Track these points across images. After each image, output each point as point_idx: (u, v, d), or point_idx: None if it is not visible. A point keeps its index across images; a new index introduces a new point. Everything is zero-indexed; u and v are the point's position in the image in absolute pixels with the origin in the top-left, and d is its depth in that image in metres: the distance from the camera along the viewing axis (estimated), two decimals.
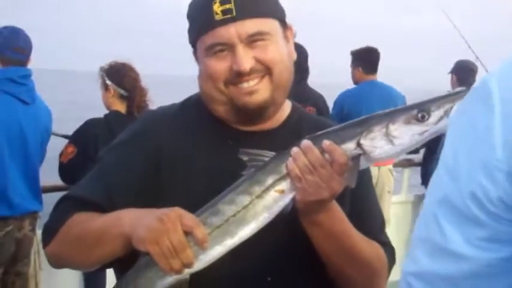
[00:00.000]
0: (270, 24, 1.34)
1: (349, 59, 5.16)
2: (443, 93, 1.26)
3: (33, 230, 3.57)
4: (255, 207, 1.20)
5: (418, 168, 5.37)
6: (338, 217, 1.28)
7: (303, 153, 1.19)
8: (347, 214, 1.31)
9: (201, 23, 1.33)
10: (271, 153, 1.24)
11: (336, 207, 1.27)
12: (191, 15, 1.39)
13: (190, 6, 1.40)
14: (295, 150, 1.20)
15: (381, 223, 1.51)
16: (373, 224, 1.46)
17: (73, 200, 1.38)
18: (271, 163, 1.23)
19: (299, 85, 4.26)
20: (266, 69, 1.33)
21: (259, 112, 1.36)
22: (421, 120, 1.19)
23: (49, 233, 1.37)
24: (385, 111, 1.24)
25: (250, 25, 1.30)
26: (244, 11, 1.30)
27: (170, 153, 1.35)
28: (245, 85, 1.32)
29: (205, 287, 1.23)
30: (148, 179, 1.34)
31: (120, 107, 3.54)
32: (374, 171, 4.94)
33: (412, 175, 5.63)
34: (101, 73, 3.59)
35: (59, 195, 1.45)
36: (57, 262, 1.42)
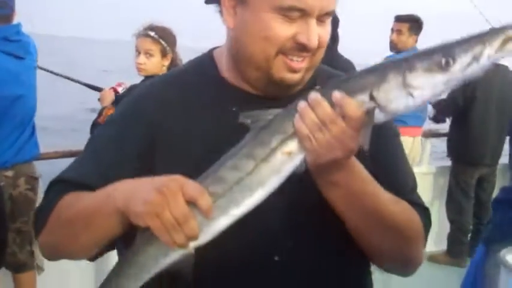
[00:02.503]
0: (335, 5, 1.21)
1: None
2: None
3: (32, 189, 3.57)
4: (261, 172, 1.06)
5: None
6: (358, 175, 1.14)
7: (310, 108, 1.04)
8: (369, 172, 1.17)
9: None
10: (277, 111, 1.09)
11: (355, 164, 1.13)
12: None
13: None
14: (302, 105, 1.05)
15: (413, 182, 1.34)
16: (402, 182, 1.30)
17: (64, 183, 1.25)
18: (276, 121, 1.08)
19: (330, 50, 4.20)
20: (317, 50, 1.21)
21: (288, 88, 1.24)
22: (445, 67, 1.01)
23: (39, 221, 1.25)
24: (404, 56, 1.06)
25: (332, 1, 1.18)
26: None
27: (165, 126, 1.24)
28: (296, 58, 1.19)
29: (208, 269, 1.13)
30: (143, 156, 1.23)
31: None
32: (408, 142, 4.85)
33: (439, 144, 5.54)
34: (156, 37, 3.32)
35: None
36: (50, 253, 1.30)
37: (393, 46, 5.11)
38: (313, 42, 1.17)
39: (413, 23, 5.09)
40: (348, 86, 1.05)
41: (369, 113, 1.04)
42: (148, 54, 3.32)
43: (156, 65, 3.33)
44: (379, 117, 1.06)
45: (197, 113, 1.26)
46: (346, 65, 4.29)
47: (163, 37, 3.32)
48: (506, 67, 4.93)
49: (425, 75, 1.02)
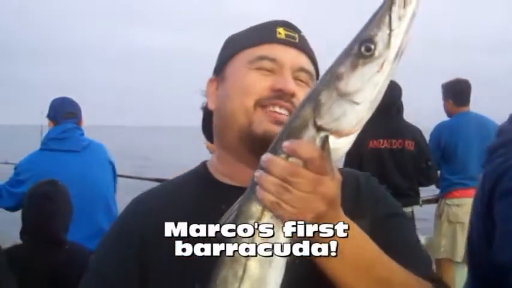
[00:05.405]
0: (313, 71, 1.26)
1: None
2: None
3: None
4: (252, 272, 0.92)
5: None
6: (357, 236, 1.01)
7: (266, 172, 0.93)
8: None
9: (255, 36, 1.24)
10: (240, 199, 0.98)
11: (345, 217, 1.00)
12: (238, 38, 1.29)
13: (239, 34, 1.30)
14: (256, 174, 0.94)
15: (425, 258, 1.22)
16: (411, 257, 1.13)
17: None
18: (242, 208, 0.95)
19: (396, 119, 4.40)
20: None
21: None
22: (368, 54, 0.90)
23: None
24: (326, 70, 0.97)
25: (306, 61, 1.24)
26: (305, 46, 1.26)
27: (154, 236, 1.15)
28: (277, 109, 1.16)
29: None
30: (144, 269, 1.17)
31: None
32: (470, 204, 4.79)
33: None
34: None
35: None
36: None
37: None
38: (290, 86, 1.16)
39: None
40: (289, 131, 0.94)
41: (324, 144, 0.92)
42: None
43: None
44: (338, 144, 0.93)
45: (186, 215, 1.14)
46: (415, 133, 4.52)
47: None
48: None
49: (355, 74, 0.91)
